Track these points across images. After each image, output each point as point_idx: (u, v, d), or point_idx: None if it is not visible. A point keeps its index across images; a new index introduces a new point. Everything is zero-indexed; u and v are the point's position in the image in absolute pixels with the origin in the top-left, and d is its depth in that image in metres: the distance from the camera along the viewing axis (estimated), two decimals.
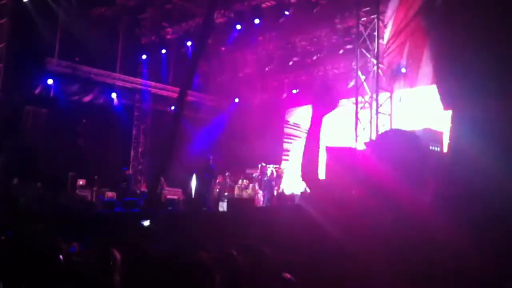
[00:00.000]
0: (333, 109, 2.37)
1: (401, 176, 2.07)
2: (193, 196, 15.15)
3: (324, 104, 2.36)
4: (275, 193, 16.32)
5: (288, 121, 20.67)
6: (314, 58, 17.94)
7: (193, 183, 16.17)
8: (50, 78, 16.74)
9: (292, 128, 20.42)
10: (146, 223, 9.49)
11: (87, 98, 18.03)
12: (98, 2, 16.44)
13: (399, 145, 2.18)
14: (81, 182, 15.72)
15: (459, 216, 2.04)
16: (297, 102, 20.13)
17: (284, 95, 20.35)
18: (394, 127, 13.12)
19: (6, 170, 14.15)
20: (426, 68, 11.48)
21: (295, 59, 18.32)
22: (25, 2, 15.14)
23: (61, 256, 4.07)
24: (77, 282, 3.78)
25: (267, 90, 19.57)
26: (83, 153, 16.38)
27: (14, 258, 3.65)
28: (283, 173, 18.41)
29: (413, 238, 1.93)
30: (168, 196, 16.36)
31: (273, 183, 16.48)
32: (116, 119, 18.95)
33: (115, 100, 19.09)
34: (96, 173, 16.00)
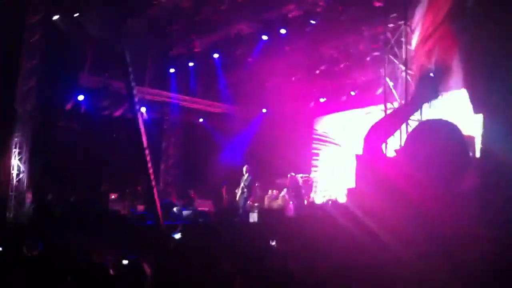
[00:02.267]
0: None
1: (436, 167, 2.02)
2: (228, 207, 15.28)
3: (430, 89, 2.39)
4: (305, 202, 16.24)
5: (316, 130, 20.59)
6: (342, 66, 17.83)
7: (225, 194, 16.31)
8: (81, 93, 17.01)
9: (320, 137, 20.34)
10: (177, 235, 9.58)
11: (117, 113, 18.26)
12: (128, 16, 16.62)
13: (435, 134, 2.15)
14: (113, 196, 15.91)
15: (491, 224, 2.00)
16: (325, 110, 20.06)
17: (312, 104, 20.29)
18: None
19: (40, 185, 14.42)
20: (456, 73, 11.31)
21: (322, 67, 18.25)
22: (55, 19, 15.43)
23: (111, 270, 4.10)
24: None
25: (295, 99, 19.53)
26: (114, 167, 16.57)
27: (48, 273, 3.70)
28: (312, 182, 18.32)
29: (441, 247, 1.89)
30: (199, 208, 16.42)
31: (303, 192, 16.40)
32: (146, 132, 19.12)
33: (145, 114, 19.29)
34: (128, 186, 16.18)
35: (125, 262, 5.14)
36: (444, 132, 2.19)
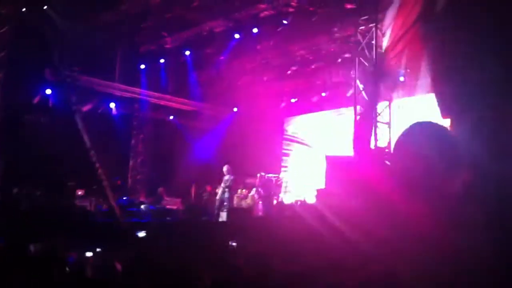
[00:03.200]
0: None
1: (429, 170, 2.04)
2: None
3: None
4: (274, 202, 16.27)
5: (287, 130, 20.66)
6: (313, 67, 17.93)
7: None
8: (50, 87, 16.73)
9: (291, 137, 20.41)
10: (142, 233, 9.53)
11: (86, 108, 17.99)
12: (98, 11, 16.40)
13: (428, 137, 2.17)
14: (80, 192, 15.68)
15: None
16: (296, 111, 20.15)
17: (283, 104, 20.35)
18: (394, 136, 13.09)
19: (5, 179, 14.12)
20: (425, 77, 11.48)
21: (293, 68, 18.32)
22: (24, 11, 15.13)
23: (67, 268, 4.04)
24: None
25: (266, 99, 19.57)
26: (82, 163, 16.32)
27: (7, 267, 3.63)
28: (282, 182, 18.39)
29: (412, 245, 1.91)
30: (168, 206, 16.30)
31: (271, 192, 16.42)
32: (114, 128, 18.92)
33: (114, 109, 19.08)
34: (95, 183, 15.94)
35: (89, 254, 5.07)
36: (435, 134, 2.21)
